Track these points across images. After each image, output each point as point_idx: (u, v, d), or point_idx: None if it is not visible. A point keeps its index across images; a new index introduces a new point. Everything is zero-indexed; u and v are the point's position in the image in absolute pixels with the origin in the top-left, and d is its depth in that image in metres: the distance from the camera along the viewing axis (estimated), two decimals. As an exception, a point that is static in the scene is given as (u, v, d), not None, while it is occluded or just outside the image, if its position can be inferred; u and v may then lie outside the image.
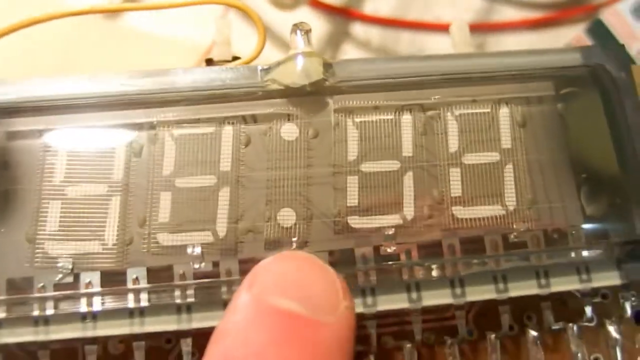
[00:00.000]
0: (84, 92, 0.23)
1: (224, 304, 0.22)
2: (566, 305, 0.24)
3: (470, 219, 0.23)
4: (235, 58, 0.26)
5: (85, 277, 0.22)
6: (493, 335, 0.23)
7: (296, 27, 0.24)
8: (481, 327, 0.23)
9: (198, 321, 0.22)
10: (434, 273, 0.22)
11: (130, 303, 0.21)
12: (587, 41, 0.36)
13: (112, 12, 0.28)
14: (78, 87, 0.23)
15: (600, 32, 0.37)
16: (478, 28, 0.38)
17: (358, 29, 0.38)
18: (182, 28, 0.34)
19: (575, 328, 0.23)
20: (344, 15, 0.37)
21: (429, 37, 0.38)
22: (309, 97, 0.24)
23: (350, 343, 0.17)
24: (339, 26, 0.37)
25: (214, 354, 0.17)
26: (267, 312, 0.16)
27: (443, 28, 0.37)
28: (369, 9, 0.37)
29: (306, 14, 0.36)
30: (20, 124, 0.23)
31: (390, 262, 0.22)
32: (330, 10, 0.37)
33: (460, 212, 0.23)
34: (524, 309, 0.23)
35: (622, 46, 0.25)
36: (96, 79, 0.23)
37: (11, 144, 0.23)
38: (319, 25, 0.37)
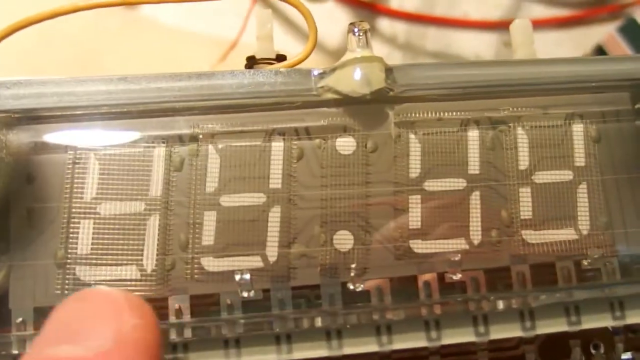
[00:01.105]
0: (117, 97, 0.21)
1: (276, 338, 0.20)
2: (636, 333, 0.22)
3: (541, 244, 0.21)
4: (279, 57, 0.23)
5: (122, 307, 0.20)
6: (559, 367, 0.22)
7: (353, 26, 0.22)
8: (545, 357, 0.22)
9: (248, 356, 0.20)
10: (502, 305, 0.21)
11: (173, 336, 0.19)
12: (620, 41, 0.34)
13: (132, 4, 0.25)
14: (111, 90, 0.21)
15: (634, 31, 0.35)
16: (506, 25, 0.36)
17: (384, 24, 0.35)
18: (204, 21, 0.32)
19: (645, 359, 0.21)
20: (370, 10, 0.35)
21: (455, 34, 0.36)
22: (367, 106, 0.21)
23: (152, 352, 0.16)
24: (365, 20, 0.35)
25: None
26: None
27: (470, 24, 0.35)
28: (395, 3, 0.35)
29: (332, 8, 0.34)
30: (47, 131, 0.21)
31: (456, 295, 0.20)
32: (356, 4, 0.34)
33: (530, 236, 0.21)
34: (591, 337, 0.22)
35: None
36: (131, 81, 0.21)
37: (37, 155, 0.20)
38: (344, 19, 0.34)
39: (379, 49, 0.34)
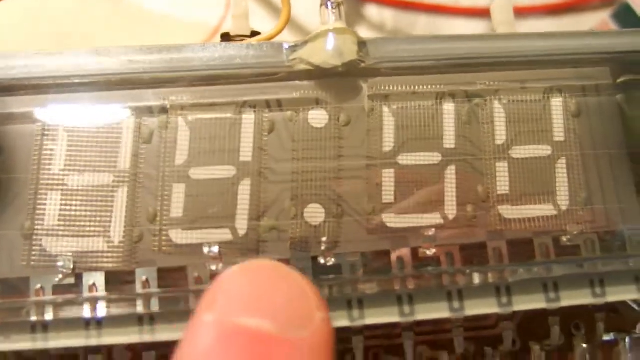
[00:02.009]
0: (87, 69, 0.21)
1: (245, 311, 0.19)
2: (618, 313, 0.21)
3: (519, 220, 0.21)
4: (254, 33, 0.23)
5: (88, 279, 0.19)
6: (538, 347, 0.21)
7: (327, -1, 0.21)
8: (525, 337, 0.21)
9: (215, 330, 0.19)
10: (478, 280, 0.20)
11: (140, 308, 0.19)
12: (613, 26, 0.34)
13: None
14: (81, 62, 0.21)
15: (627, 16, 0.34)
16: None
17: (372, 11, 0.35)
18: (188, 8, 0.32)
19: (628, 340, 0.21)
20: None
21: (446, 21, 0.35)
22: (339, 79, 0.21)
23: (328, 358, 0.15)
24: (352, 7, 0.35)
25: None
26: (233, 334, 0.14)
27: (460, 11, 0.35)
28: (383, -10, 0.35)
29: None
30: (15, 103, 0.20)
31: (430, 268, 0.20)
32: (344, -10, 0.34)
33: (507, 211, 0.21)
34: (572, 317, 0.21)
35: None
36: (101, 53, 0.21)
37: (5, 126, 0.20)
38: None
39: (367, 36, 0.34)
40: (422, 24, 0.35)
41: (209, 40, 0.30)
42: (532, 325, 0.21)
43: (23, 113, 0.20)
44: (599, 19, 0.35)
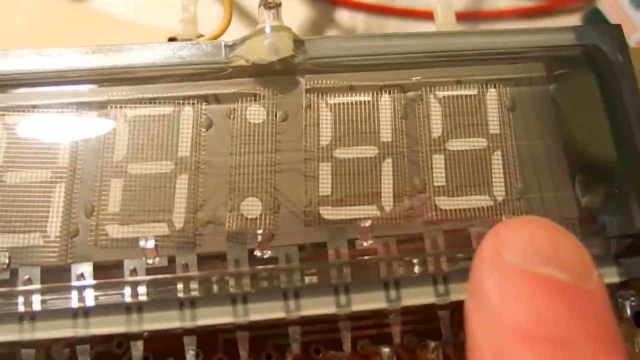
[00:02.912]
0: (28, 67, 0.21)
1: (180, 303, 0.19)
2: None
3: (455, 210, 0.21)
4: (200, 37, 0.24)
5: (23, 273, 0.19)
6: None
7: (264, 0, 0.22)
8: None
9: (150, 322, 0.19)
10: (415, 269, 0.20)
11: (74, 302, 0.19)
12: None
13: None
14: (22, 61, 0.21)
15: (597, 21, 0.35)
16: (469, 16, 0.37)
17: (343, 15, 0.35)
18: (153, 11, 0.32)
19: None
20: (330, 0, 0.35)
21: (417, 25, 0.36)
22: (277, 76, 0.22)
23: (612, 312, 0.15)
24: (323, 11, 0.35)
25: (491, 336, 0.15)
26: (536, 280, 0.15)
27: (432, 15, 0.36)
28: (355, -7, 0.35)
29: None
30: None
31: (366, 257, 0.20)
32: (315, -5, 0.35)
33: (444, 202, 0.21)
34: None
35: (619, 26, 0.23)
36: (42, 52, 0.21)
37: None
38: (303, 10, 0.35)
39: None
40: (393, 28, 0.35)
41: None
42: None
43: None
44: (571, 22, 0.35)
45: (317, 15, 0.35)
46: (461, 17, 0.35)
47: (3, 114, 0.21)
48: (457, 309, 0.21)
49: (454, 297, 0.20)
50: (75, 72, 0.21)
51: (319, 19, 0.35)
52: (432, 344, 0.21)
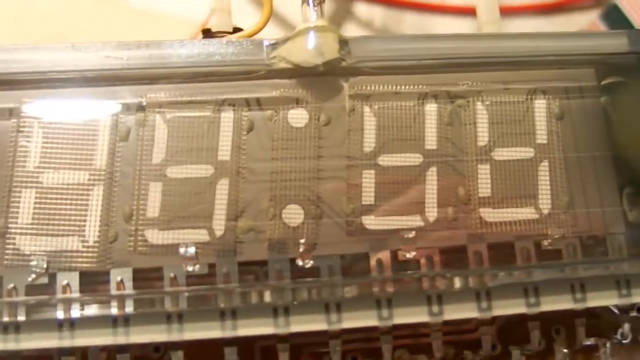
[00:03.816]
0: (64, 64, 0.20)
1: (221, 314, 0.19)
2: (598, 319, 0.21)
3: (500, 223, 0.20)
4: (236, 30, 0.23)
5: (62, 278, 0.19)
6: (518, 351, 0.21)
7: (308, -4, 0.21)
8: (505, 341, 0.21)
9: (191, 332, 0.19)
10: (458, 284, 0.20)
11: (114, 310, 0.19)
12: (602, 27, 0.34)
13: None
14: (57, 57, 0.20)
15: (615, 17, 0.34)
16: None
17: (361, 9, 0.34)
18: (175, 2, 0.31)
19: (608, 345, 0.21)
20: None
21: (433, 19, 0.35)
22: (320, 78, 0.21)
23: None
24: (341, 5, 0.34)
25: None
26: None
27: (449, 10, 0.35)
28: (372, -13, 0.34)
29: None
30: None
31: (409, 272, 0.20)
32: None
33: (488, 214, 0.20)
34: (553, 321, 0.21)
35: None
36: (78, 49, 0.20)
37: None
38: None
39: (354, 34, 0.34)
40: (409, 22, 0.34)
41: (196, 36, 0.29)
42: (512, 329, 0.21)
43: (-7, 108, 0.20)
44: (588, 20, 0.34)
45: (335, 8, 0.34)
46: (474, 12, 0.34)
47: (39, 114, 0.20)
48: (495, 320, 0.21)
49: (497, 312, 0.20)
50: (111, 69, 0.20)
51: (337, 12, 0.34)
52: (470, 355, 0.21)
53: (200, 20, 0.31)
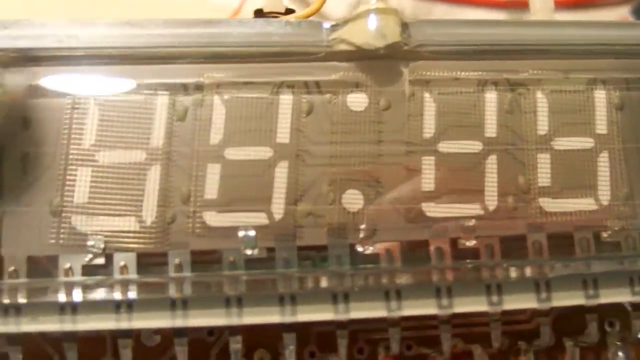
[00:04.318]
0: (120, 41, 0.20)
1: (280, 299, 0.19)
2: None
3: (559, 213, 0.20)
4: (288, 11, 0.22)
5: (119, 259, 0.19)
6: (572, 343, 0.21)
7: (369, -22, 0.21)
8: (558, 332, 0.21)
9: (250, 316, 0.19)
10: (517, 274, 0.20)
11: (172, 292, 0.18)
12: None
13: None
14: (114, 34, 0.20)
15: None
16: (515, 4, 0.35)
17: (391, 0, 0.34)
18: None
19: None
20: None
21: (464, 11, 0.34)
22: (380, 61, 0.20)
23: None
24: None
25: None
26: None
27: (480, 3, 0.34)
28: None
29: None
30: (46, 74, 0.20)
31: (468, 261, 0.19)
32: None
33: (548, 204, 0.20)
34: (606, 313, 0.21)
35: None
36: (134, 25, 0.20)
37: (33, 98, 0.19)
38: None
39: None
40: (439, 14, 0.34)
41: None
42: (566, 320, 0.21)
43: (53, 85, 0.20)
44: (618, 15, 0.34)
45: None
46: (506, 5, 0.33)
47: (95, 91, 0.19)
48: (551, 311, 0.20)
49: (555, 303, 0.20)
50: (168, 47, 0.20)
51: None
52: (524, 346, 0.21)
53: (233, 6, 0.30)
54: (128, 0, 0.30)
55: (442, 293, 0.19)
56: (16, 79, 0.19)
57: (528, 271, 0.20)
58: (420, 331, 0.21)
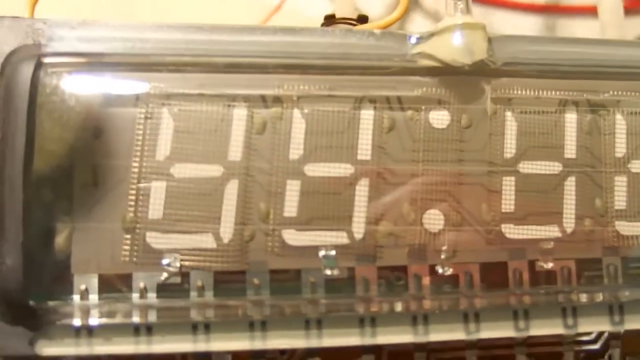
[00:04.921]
0: (196, 47, 0.19)
1: (360, 320, 0.18)
2: None
3: (634, 237, 0.20)
4: (361, 17, 0.22)
5: (196, 278, 0.18)
6: (635, 362, 0.21)
7: (454, -11, 0.20)
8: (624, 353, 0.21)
9: (329, 338, 0.18)
10: (591, 297, 0.20)
11: (251, 312, 0.18)
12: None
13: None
14: (190, 39, 0.19)
15: None
16: (552, 9, 0.35)
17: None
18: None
19: None
20: None
21: (498, 13, 0.33)
22: (462, 78, 0.20)
23: None
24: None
25: None
26: None
27: (515, 6, 0.33)
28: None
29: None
30: (118, 80, 0.18)
31: (546, 286, 0.19)
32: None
33: (623, 227, 0.20)
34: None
35: None
36: (212, 31, 0.19)
37: (105, 107, 0.18)
38: None
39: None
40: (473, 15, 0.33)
41: (269, 18, 0.28)
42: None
43: (125, 92, 0.18)
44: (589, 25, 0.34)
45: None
46: (543, 9, 0.33)
47: (169, 101, 0.18)
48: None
49: (627, 327, 0.20)
50: (247, 56, 0.19)
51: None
52: (590, 366, 0.21)
53: (273, 3, 0.29)
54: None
55: (519, 316, 0.19)
56: (87, 86, 0.18)
57: (603, 296, 0.20)
58: (488, 351, 0.20)
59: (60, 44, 0.18)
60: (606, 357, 0.21)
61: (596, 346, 0.21)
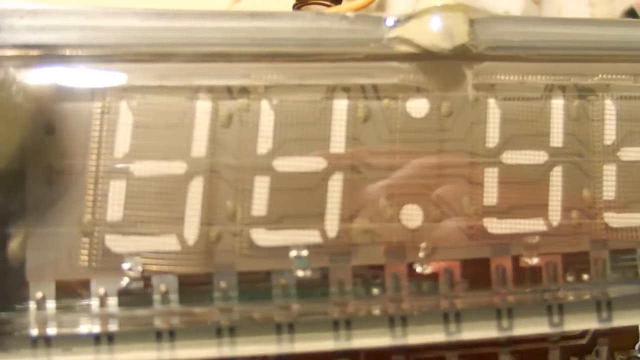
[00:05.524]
0: (155, 35, 0.17)
1: (334, 323, 0.18)
2: None
3: (623, 229, 0.19)
4: (335, -2, 0.20)
5: (158, 283, 0.17)
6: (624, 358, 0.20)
7: (432, -33, 0.19)
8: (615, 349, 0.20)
9: (302, 342, 0.17)
10: (578, 294, 0.19)
11: (218, 317, 0.17)
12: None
13: None
14: (148, 27, 0.17)
15: None
16: None
17: None
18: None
19: None
20: None
21: None
22: (441, 62, 0.19)
23: None
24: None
25: None
26: None
27: None
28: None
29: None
30: (71, 73, 0.17)
31: (531, 282, 0.18)
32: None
33: (612, 219, 0.19)
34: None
35: None
36: (172, 17, 0.17)
37: (59, 102, 0.17)
38: None
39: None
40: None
41: (232, 7, 0.26)
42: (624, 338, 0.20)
43: (79, 86, 0.17)
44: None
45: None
46: None
47: (127, 94, 0.17)
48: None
49: (616, 323, 0.19)
50: (210, 44, 0.18)
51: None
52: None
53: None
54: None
55: (502, 315, 0.18)
56: (37, 79, 0.17)
57: (591, 293, 0.19)
58: (469, 350, 0.20)
59: (9, 35, 0.17)
60: (593, 353, 0.20)
61: (583, 341, 0.20)
